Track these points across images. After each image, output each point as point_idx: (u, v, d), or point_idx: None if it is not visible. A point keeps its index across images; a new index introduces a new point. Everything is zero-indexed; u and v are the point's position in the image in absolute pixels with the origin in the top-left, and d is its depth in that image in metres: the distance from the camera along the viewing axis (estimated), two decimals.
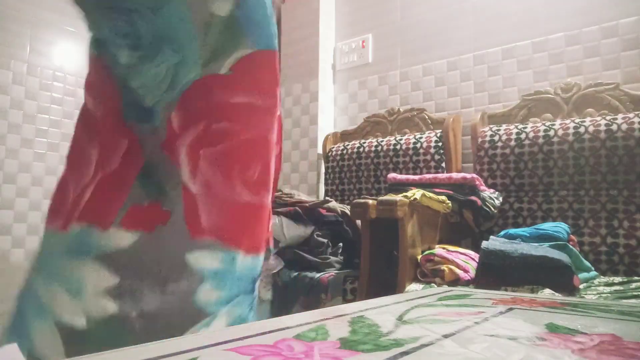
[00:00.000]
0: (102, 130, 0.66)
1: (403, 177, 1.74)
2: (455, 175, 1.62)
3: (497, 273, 1.18)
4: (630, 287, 1.17)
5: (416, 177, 1.70)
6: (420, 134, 2.03)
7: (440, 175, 1.66)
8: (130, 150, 0.64)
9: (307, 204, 1.77)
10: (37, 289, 0.62)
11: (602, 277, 1.35)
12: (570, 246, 1.28)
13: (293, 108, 2.60)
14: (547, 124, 1.67)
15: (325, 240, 1.68)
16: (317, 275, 1.56)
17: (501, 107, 1.95)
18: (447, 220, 1.58)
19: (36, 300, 0.61)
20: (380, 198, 1.35)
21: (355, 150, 2.19)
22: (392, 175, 1.76)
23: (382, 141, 2.12)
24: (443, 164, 1.92)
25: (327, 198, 1.89)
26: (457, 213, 1.57)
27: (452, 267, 1.28)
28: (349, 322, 0.48)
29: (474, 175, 1.60)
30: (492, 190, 1.65)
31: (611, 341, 0.41)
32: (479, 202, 1.53)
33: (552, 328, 0.47)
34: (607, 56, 1.73)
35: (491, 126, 1.83)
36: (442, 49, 2.17)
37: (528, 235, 1.33)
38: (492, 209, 1.57)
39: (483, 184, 1.67)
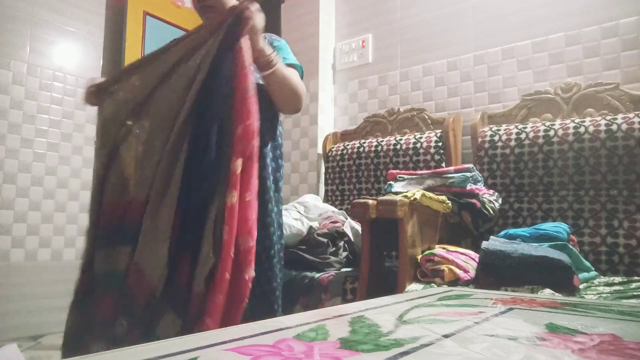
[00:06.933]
0: None
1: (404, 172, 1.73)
2: None
3: (497, 273, 1.18)
4: (630, 287, 1.17)
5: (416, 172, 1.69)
6: (420, 134, 2.03)
7: None
8: None
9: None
10: None
11: (602, 277, 1.35)
12: (570, 246, 1.28)
13: None
14: (547, 124, 1.67)
15: (325, 240, 1.68)
16: (317, 275, 1.56)
17: (501, 107, 1.95)
18: (447, 220, 1.58)
19: None
20: (380, 198, 1.35)
21: (355, 150, 2.19)
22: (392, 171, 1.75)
23: (382, 141, 2.12)
24: (443, 164, 1.92)
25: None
26: (456, 214, 1.57)
27: (452, 267, 1.28)
28: (349, 322, 0.48)
29: None
30: (491, 192, 1.64)
31: (611, 341, 0.41)
32: (478, 204, 1.52)
33: (552, 328, 0.47)
34: (607, 56, 1.73)
35: (491, 126, 1.83)
36: (442, 49, 2.17)
37: (528, 235, 1.33)
38: (492, 212, 1.56)
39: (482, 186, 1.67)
